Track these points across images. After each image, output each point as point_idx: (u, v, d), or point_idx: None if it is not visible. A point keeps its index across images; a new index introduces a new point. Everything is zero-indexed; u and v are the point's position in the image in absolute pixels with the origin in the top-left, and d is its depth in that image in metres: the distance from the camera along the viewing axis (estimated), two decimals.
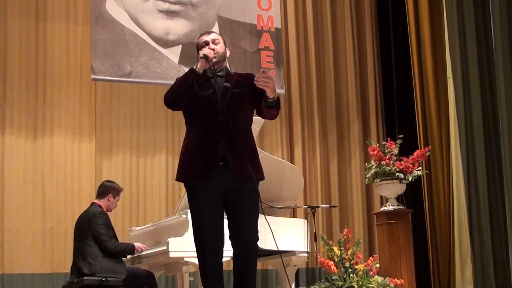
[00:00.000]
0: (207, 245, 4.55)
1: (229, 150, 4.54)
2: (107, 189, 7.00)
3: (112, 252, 6.69)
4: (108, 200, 6.98)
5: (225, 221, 4.66)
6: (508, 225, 7.98)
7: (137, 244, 6.86)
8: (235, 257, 4.60)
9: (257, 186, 4.60)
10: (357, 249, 7.59)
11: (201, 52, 4.63)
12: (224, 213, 4.68)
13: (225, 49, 4.83)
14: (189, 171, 4.59)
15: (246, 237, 4.58)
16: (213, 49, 4.69)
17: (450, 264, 9.25)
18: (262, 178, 4.69)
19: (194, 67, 4.57)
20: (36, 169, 8.93)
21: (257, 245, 4.64)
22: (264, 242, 5.89)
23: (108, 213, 7.00)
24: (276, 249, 6.32)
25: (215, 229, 4.58)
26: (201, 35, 4.85)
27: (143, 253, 6.82)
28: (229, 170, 4.54)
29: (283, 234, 6.74)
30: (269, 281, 9.67)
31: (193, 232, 4.62)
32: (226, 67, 4.81)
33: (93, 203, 6.99)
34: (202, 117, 4.60)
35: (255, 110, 4.76)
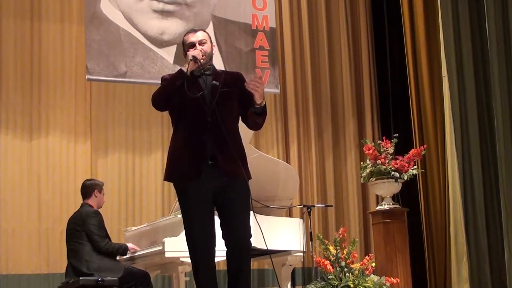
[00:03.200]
0: (198, 245, 4.57)
1: (218, 149, 4.55)
2: (90, 187, 6.99)
3: (105, 252, 6.70)
4: (96, 196, 6.96)
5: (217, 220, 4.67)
6: (504, 223, 7.99)
7: (130, 245, 6.88)
8: (228, 256, 4.61)
9: (248, 184, 4.61)
10: (353, 248, 7.60)
11: (190, 54, 4.61)
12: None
13: (212, 48, 4.79)
14: (179, 172, 4.61)
15: (239, 236, 4.59)
16: (201, 50, 4.66)
17: (446, 263, 9.26)
18: (250, 178, 4.68)
19: (184, 69, 4.55)
20: (31, 170, 8.91)
21: (250, 242, 4.64)
22: (260, 242, 5.89)
23: (104, 212, 7.00)
24: (271, 248, 6.35)
25: (206, 229, 4.59)
26: (188, 33, 4.79)
27: (139, 253, 6.81)
28: (218, 170, 4.55)
29: (278, 233, 6.75)
30: (265, 280, 9.68)
31: (185, 232, 4.63)
32: (212, 65, 4.79)
33: (83, 204, 6.97)
34: (190, 117, 4.60)
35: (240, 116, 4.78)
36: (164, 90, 4.60)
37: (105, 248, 6.68)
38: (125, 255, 6.88)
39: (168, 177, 4.69)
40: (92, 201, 6.95)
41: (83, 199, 7.02)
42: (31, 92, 9.07)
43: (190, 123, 4.60)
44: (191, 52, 4.63)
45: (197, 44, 4.68)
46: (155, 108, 4.69)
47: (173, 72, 4.74)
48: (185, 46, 4.74)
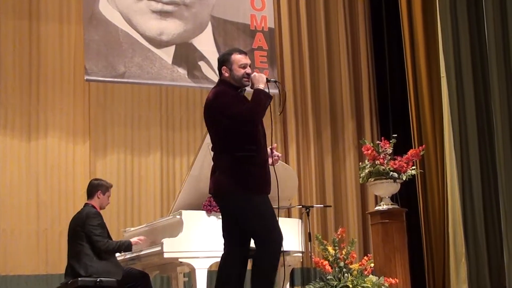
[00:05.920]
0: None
1: None
2: (94, 187, 6.95)
3: (105, 252, 6.64)
4: (98, 198, 6.91)
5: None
6: (503, 223, 7.99)
7: (133, 240, 6.82)
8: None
9: None
10: (352, 249, 7.60)
11: (266, 77, 5.00)
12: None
13: None
14: (261, 184, 4.92)
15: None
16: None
17: (444, 263, 9.26)
18: None
19: (267, 90, 4.93)
20: (30, 170, 8.91)
21: None
22: None
23: (103, 213, 6.96)
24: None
25: None
26: (239, 53, 5.09)
27: (138, 254, 6.80)
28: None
29: None
30: None
31: (277, 230, 4.88)
32: None
33: (86, 204, 6.94)
34: (261, 138, 5.03)
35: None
36: (263, 111, 4.96)
37: (105, 247, 6.63)
38: (130, 250, 6.81)
39: (261, 189, 4.93)
40: (94, 201, 6.92)
41: (87, 198, 7.00)
42: (29, 93, 9.07)
43: (261, 145, 5.00)
44: (263, 76, 4.99)
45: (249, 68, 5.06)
46: (252, 122, 4.93)
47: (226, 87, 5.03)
48: (234, 64, 5.02)
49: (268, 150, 5.11)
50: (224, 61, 5.07)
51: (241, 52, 5.12)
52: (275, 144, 5.27)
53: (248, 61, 5.07)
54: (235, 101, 4.93)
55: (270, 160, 5.09)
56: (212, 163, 5.01)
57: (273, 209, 4.90)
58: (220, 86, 5.04)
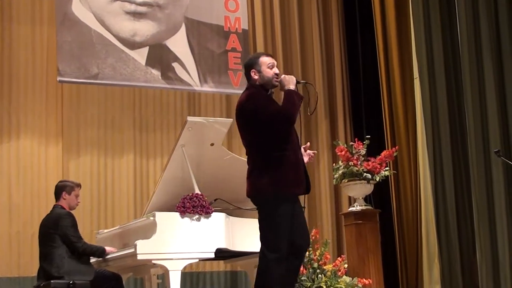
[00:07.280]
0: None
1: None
2: (59, 189, 6.90)
3: (82, 253, 6.62)
4: (64, 199, 6.87)
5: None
6: (475, 224, 8.05)
7: (108, 248, 6.79)
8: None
9: None
10: (325, 250, 7.62)
11: (296, 79, 5.08)
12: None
13: None
14: (296, 185, 4.96)
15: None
16: None
17: (417, 264, 9.31)
18: None
19: (297, 90, 5.02)
20: (2, 173, 8.85)
21: None
22: (232, 243, 5.92)
23: (75, 214, 6.92)
24: (245, 250, 6.36)
25: None
26: (266, 55, 5.19)
27: (111, 255, 6.77)
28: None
29: (252, 235, 6.70)
30: (238, 282, 9.68)
31: (281, 237, 4.85)
32: None
33: (55, 206, 6.89)
34: (294, 138, 5.02)
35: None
36: (297, 112, 4.96)
37: (82, 249, 6.61)
38: (102, 257, 6.80)
39: (284, 190, 4.91)
40: (61, 203, 6.87)
41: (55, 200, 6.96)
42: (1, 95, 9.01)
43: (296, 143, 5.01)
44: (293, 78, 5.07)
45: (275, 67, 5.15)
46: (290, 123, 4.93)
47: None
48: (263, 66, 5.09)
49: (302, 149, 5.15)
50: (252, 64, 5.13)
51: (267, 54, 5.23)
52: (308, 143, 5.39)
53: (275, 62, 5.16)
54: (270, 101, 5.01)
55: (306, 159, 5.16)
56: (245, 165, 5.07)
57: (298, 214, 4.96)
58: (251, 89, 5.09)
